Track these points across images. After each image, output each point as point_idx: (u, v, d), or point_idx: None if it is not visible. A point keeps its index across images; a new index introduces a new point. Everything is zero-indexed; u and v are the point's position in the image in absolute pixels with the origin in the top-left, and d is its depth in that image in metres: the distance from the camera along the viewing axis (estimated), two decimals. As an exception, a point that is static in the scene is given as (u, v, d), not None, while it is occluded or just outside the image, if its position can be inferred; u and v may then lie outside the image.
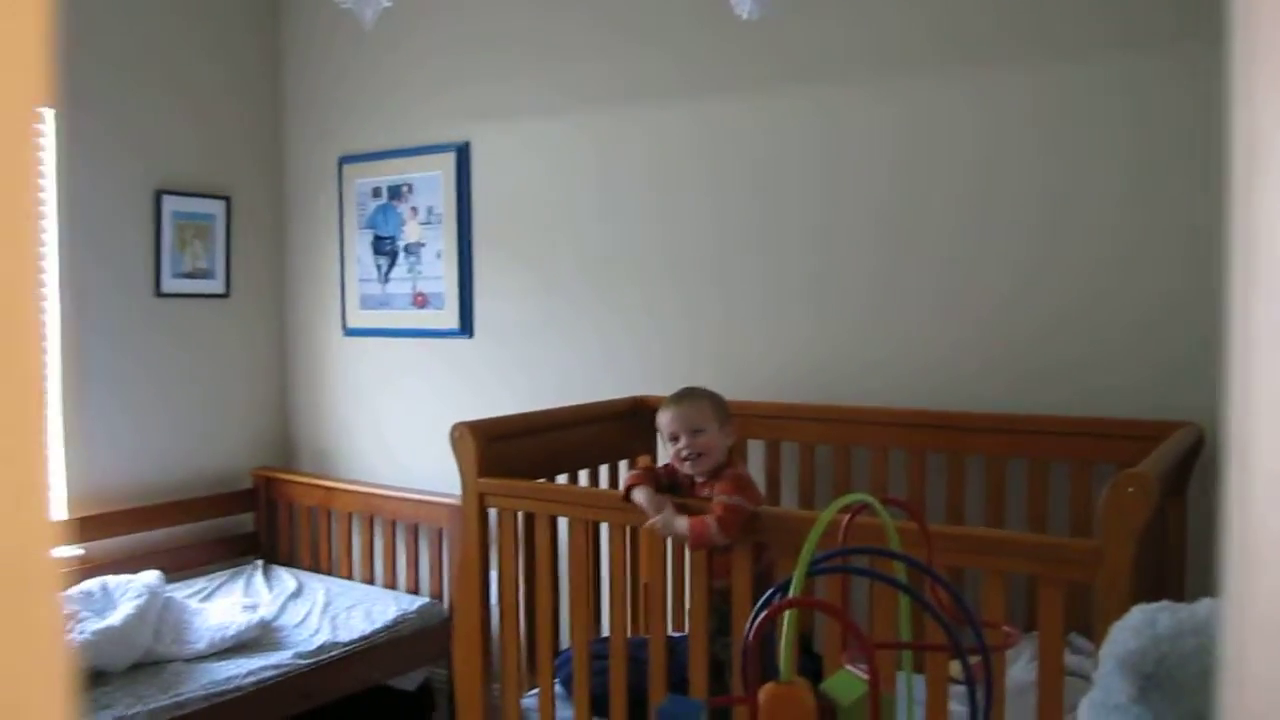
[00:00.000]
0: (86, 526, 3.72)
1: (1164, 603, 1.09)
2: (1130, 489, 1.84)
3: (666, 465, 2.69)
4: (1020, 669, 2.43)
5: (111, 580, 3.38)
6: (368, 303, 4.22)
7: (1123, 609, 1.11)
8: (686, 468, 2.57)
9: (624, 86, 3.54)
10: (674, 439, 2.58)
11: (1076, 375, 2.82)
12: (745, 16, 2.40)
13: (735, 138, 3.33)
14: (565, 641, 2.87)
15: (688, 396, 2.64)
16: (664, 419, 2.62)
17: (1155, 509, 1.88)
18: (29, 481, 0.31)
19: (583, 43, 3.62)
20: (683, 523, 2.35)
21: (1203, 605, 1.06)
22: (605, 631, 2.89)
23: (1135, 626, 1.06)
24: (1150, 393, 2.71)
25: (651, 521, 2.39)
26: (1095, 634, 1.85)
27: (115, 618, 3.12)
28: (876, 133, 3.09)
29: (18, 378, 0.30)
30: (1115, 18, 2.73)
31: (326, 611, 3.64)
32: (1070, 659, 2.20)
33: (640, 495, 2.44)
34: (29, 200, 0.30)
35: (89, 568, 3.61)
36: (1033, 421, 2.79)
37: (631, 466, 3.21)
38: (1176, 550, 2.53)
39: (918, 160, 3.03)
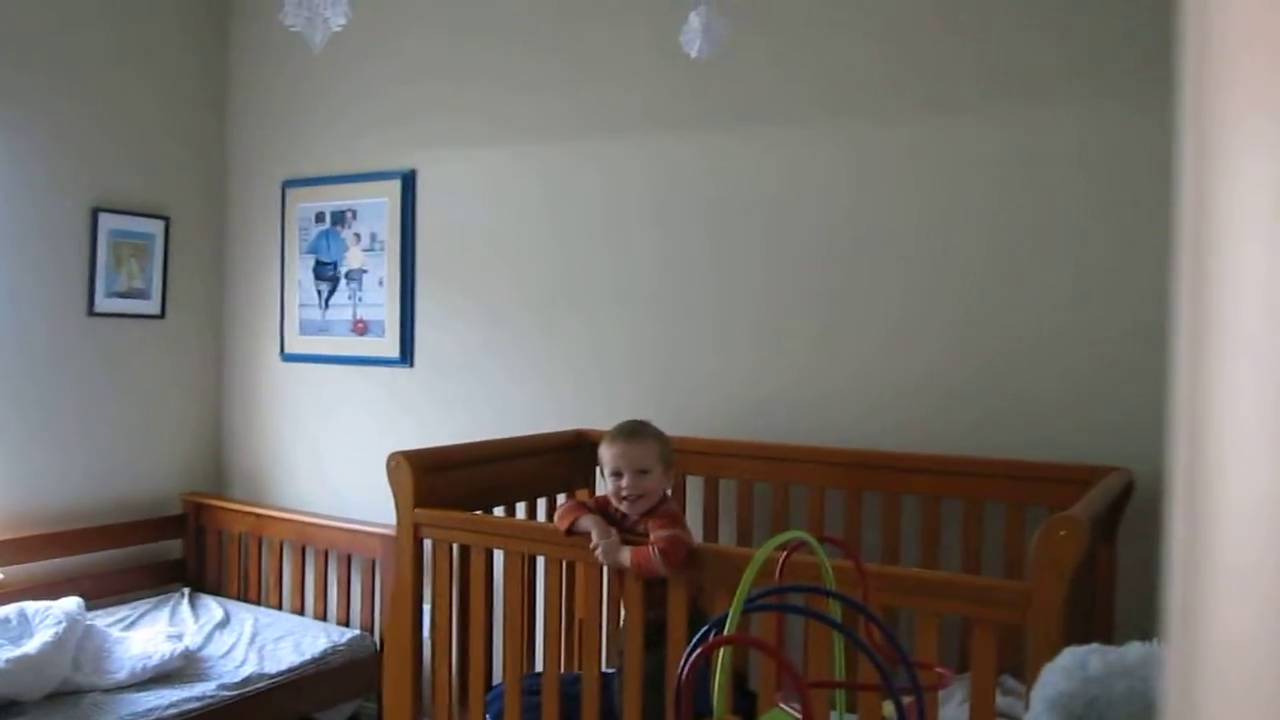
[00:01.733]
0: (5, 550, 3.61)
1: (1094, 645, 1.10)
2: (1062, 532, 1.86)
3: (598, 498, 2.68)
4: (953, 710, 2.44)
5: (30, 606, 3.28)
6: (307, 328, 4.17)
7: (1053, 651, 1.12)
8: (624, 506, 2.55)
9: (573, 120, 3.55)
10: (616, 475, 2.56)
11: (1013, 420, 2.86)
12: (694, 55, 2.42)
13: (685, 175, 3.35)
14: (498, 676, 2.83)
15: (636, 435, 2.61)
16: (608, 454, 2.60)
17: (1086, 552, 1.91)
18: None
19: (533, 75, 3.63)
20: (626, 553, 2.34)
21: (1133, 648, 1.07)
22: (539, 666, 2.85)
23: (1066, 668, 1.06)
24: (1084, 438, 2.75)
25: (595, 545, 2.37)
26: (1027, 675, 1.86)
27: (32, 645, 3.02)
28: (827, 175, 3.13)
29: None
30: (1074, 64, 2.79)
31: (254, 642, 3.56)
32: (1002, 700, 2.21)
33: (588, 521, 2.43)
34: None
35: (7, 593, 3.50)
36: (968, 464, 2.82)
37: (570, 500, 3.19)
38: (1106, 593, 2.56)
39: (868, 203, 3.07)
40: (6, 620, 3.22)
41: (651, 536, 2.34)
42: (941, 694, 2.32)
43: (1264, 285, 0.28)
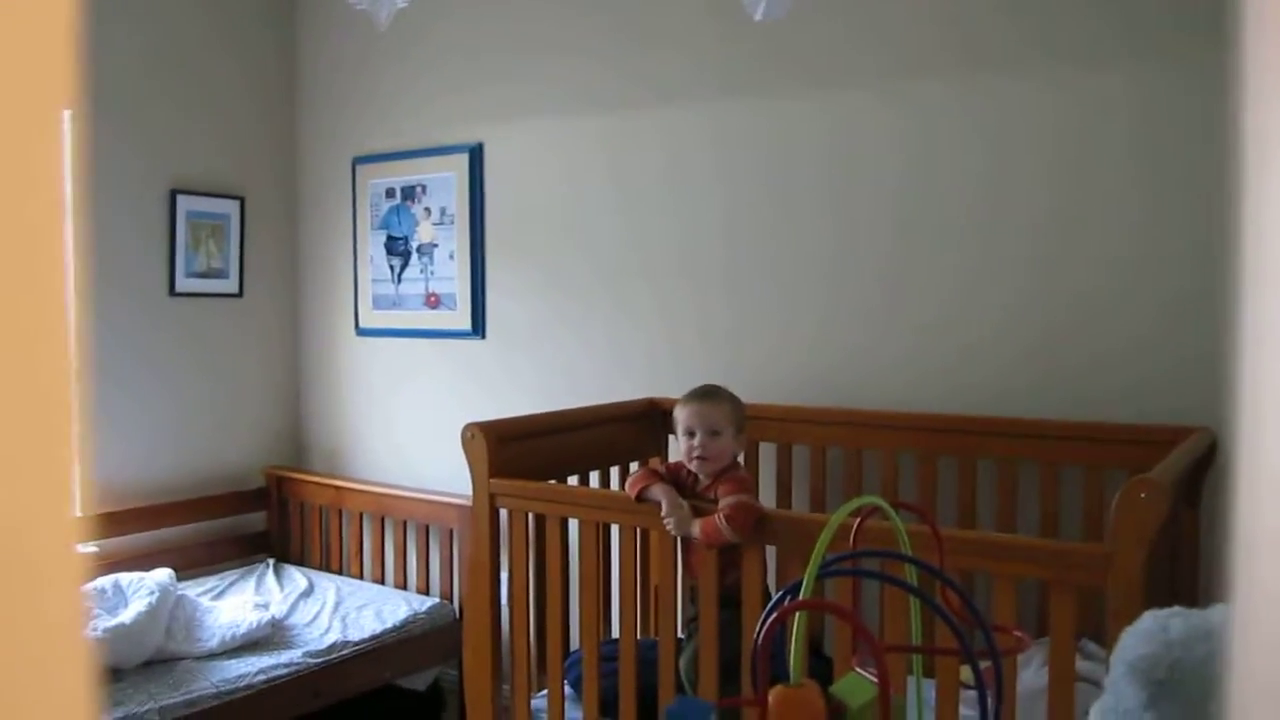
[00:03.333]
0: (99, 524, 3.73)
1: (1176, 608, 1.09)
2: (1143, 494, 1.83)
3: (670, 464, 2.70)
4: (1031, 674, 2.42)
5: (124, 578, 3.40)
6: (380, 303, 4.24)
7: (1134, 615, 1.11)
8: (695, 466, 2.58)
9: (637, 88, 3.55)
10: (689, 434, 2.59)
11: (1089, 379, 2.82)
12: (759, 18, 2.40)
13: (747, 140, 3.33)
14: (575, 643, 2.88)
15: (711, 396, 2.65)
16: (683, 413, 2.63)
17: (1168, 514, 1.88)
18: (56, 477, 0.31)
19: (596, 45, 3.62)
20: (696, 526, 2.36)
21: (1216, 611, 1.06)
22: (615, 633, 2.89)
23: (1147, 632, 1.05)
24: (1164, 397, 2.70)
25: (665, 516, 2.39)
26: (1107, 640, 1.84)
27: (127, 615, 3.13)
28: (888, 137, 3.09)
29: (47, 376, 0.30)
30: (1127, 25, 2.72)
31: (337, 611, 3.65)
32: (1081, 665, 2.19)
33: (658, 490, 2.45)
34: (58, 202, 0.31)
35: (101, 565, 3.63)
36: (1044, 426, 2.78)
37: (643, 468, 3.21)
38: (1189, 556, 2.52)
39: (929, 165, 3.03)
40: (102, 591, 3.34)
41: (719, 504, 2.35)
42: (1020, 658, 2.30)
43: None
